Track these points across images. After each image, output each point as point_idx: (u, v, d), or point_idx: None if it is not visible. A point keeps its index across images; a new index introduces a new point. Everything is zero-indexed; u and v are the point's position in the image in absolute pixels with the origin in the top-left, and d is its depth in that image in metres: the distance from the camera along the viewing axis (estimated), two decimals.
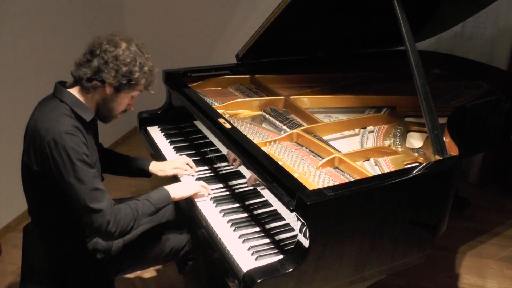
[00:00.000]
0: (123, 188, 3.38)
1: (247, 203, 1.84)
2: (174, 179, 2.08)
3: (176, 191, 1.80)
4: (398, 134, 2.13)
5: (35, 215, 1.74)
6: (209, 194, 1.91)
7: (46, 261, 1.80)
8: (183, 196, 1.83)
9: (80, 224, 1.62)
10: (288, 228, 1.64)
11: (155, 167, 2.08)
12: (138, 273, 2.60)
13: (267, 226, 1.71)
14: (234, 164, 1.89)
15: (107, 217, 1.55)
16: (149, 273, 2.62)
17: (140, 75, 1.63)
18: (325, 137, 2.09)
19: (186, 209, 1.93)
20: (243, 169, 1.86)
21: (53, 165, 1.52)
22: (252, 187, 1.81)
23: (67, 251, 1.74)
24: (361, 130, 2.21)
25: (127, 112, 1.77)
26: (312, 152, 1.95)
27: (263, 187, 1.71)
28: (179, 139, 2.41)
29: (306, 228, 1.44)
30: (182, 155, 2.22)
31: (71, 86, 1.66)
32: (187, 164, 2.09)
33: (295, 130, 2.04)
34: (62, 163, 1.51)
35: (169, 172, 2.06)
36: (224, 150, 1.99)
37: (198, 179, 2.05)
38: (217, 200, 1.89)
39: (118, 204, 1.63)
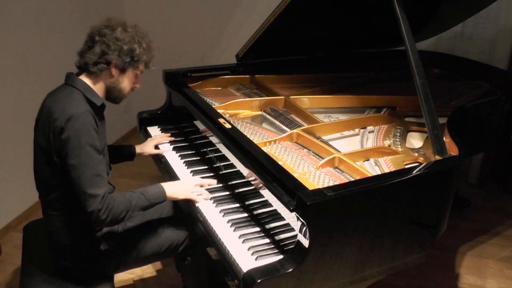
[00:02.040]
0: (123, 189, 3.38)
1: (247, 203, 1.84)
2: (171, 175, 2.08)
3: (172, 191, 1.81)
4: (398, 134, 2.13)
5: (45, 198, 1.75)
6: (206, 199, 1.89)
7: (48, 254, 1.81)
8: (178, 198, 1.84)
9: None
10: (288, 228, 1.64)
11: (139, 148, 2.25)
12: (138, 273, 2.60)
13: (267, 226, 1.71)
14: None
15: (100, 203, 1.58)
16: (149, 273, 2.63)
17: (141, 51, 1.73)
18: (325, 137, 2.09)
19: (185, 208, 1.93)
20: (243, 169, 1.86)
21: (62, 145, 1.58)
22: (252, 187, 1.81)
23: (72, 238, 1.76)
24: (361, 130, 2.21)
25: (133, 91, 1.86)
26: (312, 152, 1.95)
27: (263, 186, 1.71)
28: (179, 139, 2.40)
29: (306, 228, 1.44)
30: (182, 155, 2.23)
31: (78, 75, 1.74)
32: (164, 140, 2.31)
33: (295, 130, 2.04)
34: (71, 145, 1.57)
35: (154, 150, 2.26)
36: (224, 151, 2.00)
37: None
38: (217, 200, 1.89)
39: (113, 193, 1.66)
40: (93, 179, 1.58)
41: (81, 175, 1.57)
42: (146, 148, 2.26)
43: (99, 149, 1.63)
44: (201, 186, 1.91)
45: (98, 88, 1.74)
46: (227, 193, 1.95)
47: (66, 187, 1.67)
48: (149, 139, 2.34)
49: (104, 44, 1.66)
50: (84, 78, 1.72)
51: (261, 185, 1.72)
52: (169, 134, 2.37)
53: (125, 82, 1.78)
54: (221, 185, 2.00)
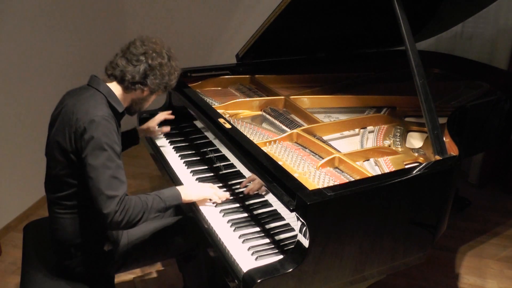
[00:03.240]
0: None
1: (247, 203, 1.84)
2: (172, 176, 2.08)
3: (186, 193, 1.80)
4: (398, 134, 2.13)
5: (55, 195, 1.74)
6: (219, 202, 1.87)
7: (49, 254, 1.81)
8: (193, 200, 1.83)
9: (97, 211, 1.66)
10: (288, 228, 1.64)
11: (142, 131, 2.29)
12: (138, 273, 2.60)
13: (267, 226, 1.71)
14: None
15: (117, 205, 1.58)
16: (149, 273, 2.62)
17: (175, 81, 1.84)
18: (325, 137, 2.09)
19: (186, 209, 1.93)
20: (243, 169, 1.86)
21: (84, 145, 1.59)
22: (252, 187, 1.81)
23: (78, 237, 1.75)
24: (361, 130, 2.21)
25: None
26: (312, 152, 1.95)
27: (265, 189, 1.71)
28: (179, 139, 2.41)
29: (306, 228, 1.44)
30: (182, 155, 2.23)
31: (106, 81, 1.76)
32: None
33: (295, 130, 2.04)
34: (92, 146, 1.58)
35: (155, 127, 2.30)
36: (224, 151, 2.00)
37: (199, 179, 2.05)
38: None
39: (129, 196, 1.65)
40: (111, 181, 1.58)
41: (99, 176, 1.57)
42: (148, 130, 2.30)
43: (118, 153, 1.64)
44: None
45: (124, 99, 1.79)
46: (227, 193, 1.95)
47: (78, 186, 1.69)
48: (151, 120, 2.34)
49: (149, 66, 1.72)
50: (112, 87, 1.75)
51: (264, 190, 1.72)
52: (170, 112, 2.38)
53: (149, 101, 1.87)
54: (221, 185, 2.00)
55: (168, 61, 1.78)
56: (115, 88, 1.75)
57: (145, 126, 2.30)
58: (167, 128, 2.34)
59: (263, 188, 1.72)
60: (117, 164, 1.61)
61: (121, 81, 1.74)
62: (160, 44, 1.79)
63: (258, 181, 1.73)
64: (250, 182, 1.80)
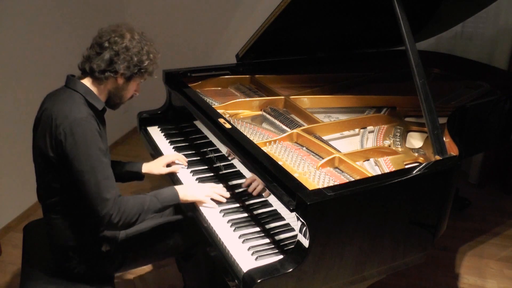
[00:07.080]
0: (123, 188, 3.37)
1: (247, 203, 1.84)
2: (172, 177, 2.08)
3: (185, 193, 1.80)
4: (398, 134, 2.13)
5: (46, 202, 1.74)
6: (221, 202, 1.84)
7: (48, 254, 1.81)
8: (191, 200, 1.82)
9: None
10: (288, 228, 1.64)
11: (147, 167, 2.09)
12: (138, 273, 2.60)
13: (267, 226, 1.71)
14: (230, 159, 1.84)
15: (112, 207, 1.57)
16: (149, 273, 2.62)
17: (148, 63, 1.72)
18: (325, 137, 2.09)
19: (186, 208, 1.93)
20: (243, 169, 1.86)
21: (68, 151, 1.56)
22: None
23: (74, 240, 1.75)
24: (361, 130, 2.21)
25: (133, 98, 1.86)
26: (312, 152, 1.95)
27: (264, 188, 1.71)
28: (179, 139, 2.40)
29: (306, 228, 1.44)
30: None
31: (81, 78, 1.72)
32: (177, 160, 2.14)
33: (295, 130, 2.04)
34: (78, 150, 1.55)
35: (163, 170, 2.09)
36: (223, 150, 2.00)
37: (199, 179, 2.05)
38: (217, 200, 1.88)
39: (125, 196, 1.65)
40: (103, 183, 1.57)
41: (91, 179, 1.55)
42: (154, 168, 2.09)
43: (104, 152, 1.63)
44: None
45: (100, 93, 1.74)
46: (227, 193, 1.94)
47: (66, 190, 1.67)
48: (160, 157, 2.14)
49: (113, 51, 1.65)
50: (86, 82, 1.71)
51: (263, 188, 1.72)
52: (185, 158, 2.15)
53: (128, 90, 1.78)
54: (221, 185, 2.00)
55: (138, 43, 1.69)
56: (90, 83, 1.70)
57: (147, 169, 2.08)
58: (174, 169, 2.10)
59: (266, 192, 1.71)
60: (104, 164, 1.60)
61: (91, 73, 1.68)
62: (128, 29, 1.71)
63: (259, 181, 1.73)
64: (251, 183, 1.80)
